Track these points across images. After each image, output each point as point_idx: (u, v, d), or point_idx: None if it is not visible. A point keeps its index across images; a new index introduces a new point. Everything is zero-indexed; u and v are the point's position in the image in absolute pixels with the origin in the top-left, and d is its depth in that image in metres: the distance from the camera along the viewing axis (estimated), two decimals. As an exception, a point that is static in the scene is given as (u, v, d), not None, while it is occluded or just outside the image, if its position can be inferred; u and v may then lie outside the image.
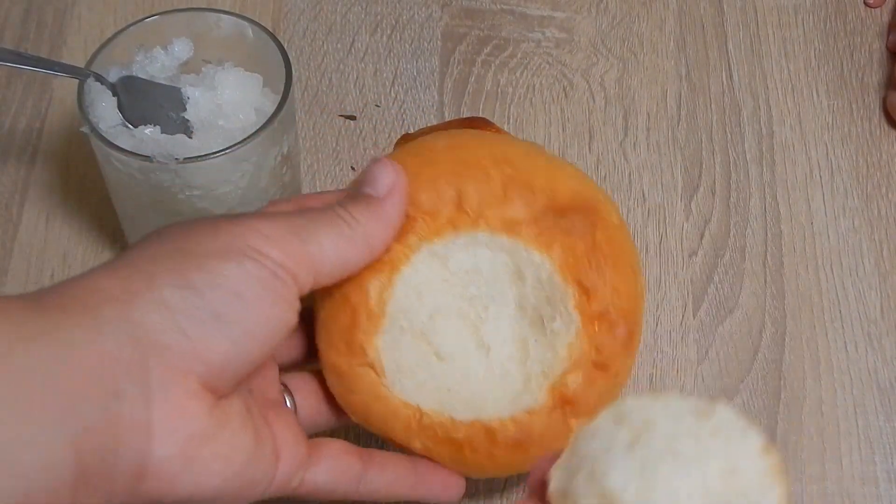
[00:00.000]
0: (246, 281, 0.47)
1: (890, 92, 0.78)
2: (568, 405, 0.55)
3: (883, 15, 0.85)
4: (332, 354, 0.56)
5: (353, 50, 0.83)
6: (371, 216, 0.52)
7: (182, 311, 0.45)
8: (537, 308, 0.57)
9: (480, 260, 0.57)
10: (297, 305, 0.49)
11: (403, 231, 0.55)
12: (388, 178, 0.53)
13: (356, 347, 0.55)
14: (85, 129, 0.63)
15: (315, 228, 0.50)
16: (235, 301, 0.46)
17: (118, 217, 0.70)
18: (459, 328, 0.57)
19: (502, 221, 0.56)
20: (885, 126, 0.79)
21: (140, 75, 0.66)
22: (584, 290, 0.56)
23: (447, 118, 0.79)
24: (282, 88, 0.65)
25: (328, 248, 0.50)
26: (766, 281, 0.72)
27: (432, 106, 0.80)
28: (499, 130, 0.69)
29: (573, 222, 0.56)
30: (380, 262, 0.55)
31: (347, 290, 0.55)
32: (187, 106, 0.65)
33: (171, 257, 0.47)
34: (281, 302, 0.48)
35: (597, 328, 0.56)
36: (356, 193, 0.53)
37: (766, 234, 0.74)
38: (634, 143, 0.78)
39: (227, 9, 0.69)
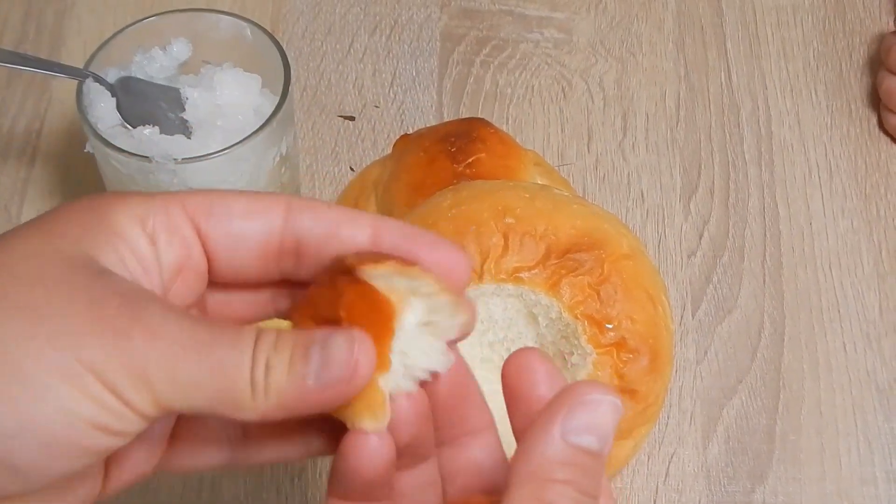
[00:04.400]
0: None
1: (888, 114, 0.78)
2: None
3: (883, 14, 0.85)
4: None
5: (351, 50, 0.83)
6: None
7: None
8: (556, 344, 0.58)
9: (493, 309, 0.59)
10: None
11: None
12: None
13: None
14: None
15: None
16: None
17: (117, 218, 0.70)
18: (485, 373, 0.58)
19: (506, 271, 0.58)
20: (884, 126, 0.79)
21: (139, 76, 0.66)
22: (596, 324, 0.58)
23: (446, 119, 0.79)
24: (280, 89, 0.65)
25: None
26: (764, 281, 0.72)
27: (431, 106, 0.80)
28: (497, 132, 0.69)
29: (579, 260, 0.58)
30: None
31: None
32: (186, 106, 0.65)
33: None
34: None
35: (615, 357, 0.58)
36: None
37: (765, 235, 0.74)
38: (633, 144, 0.78)
39: (225, 9, 0.69)
